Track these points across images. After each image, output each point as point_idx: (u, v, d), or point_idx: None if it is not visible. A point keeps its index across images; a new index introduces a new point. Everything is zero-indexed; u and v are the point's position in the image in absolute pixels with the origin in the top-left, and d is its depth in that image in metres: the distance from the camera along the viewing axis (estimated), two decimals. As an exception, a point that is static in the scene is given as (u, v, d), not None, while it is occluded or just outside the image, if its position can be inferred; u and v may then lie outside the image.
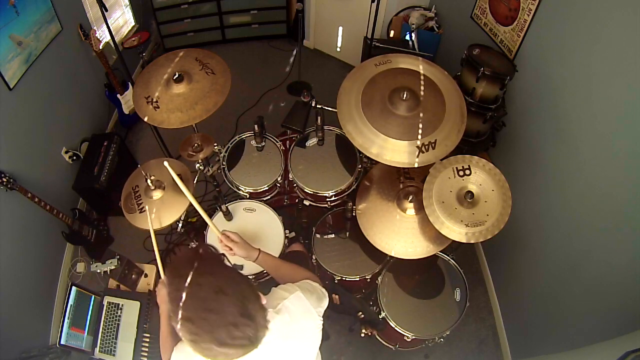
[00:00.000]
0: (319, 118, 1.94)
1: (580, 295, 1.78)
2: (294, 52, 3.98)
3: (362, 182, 1.89)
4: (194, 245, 1.66)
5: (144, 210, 1.69)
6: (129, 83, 3.08)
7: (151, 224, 1.58)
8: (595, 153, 1.67)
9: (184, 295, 0.78)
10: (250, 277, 1.79)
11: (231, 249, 1.26)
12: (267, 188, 1.96)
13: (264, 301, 0.88)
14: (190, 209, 1.68)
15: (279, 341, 0.97)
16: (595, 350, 1.60)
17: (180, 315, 0.78)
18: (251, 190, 1.95)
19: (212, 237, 1.86)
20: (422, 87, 1.67)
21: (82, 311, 1.79)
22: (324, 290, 1.14)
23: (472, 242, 1.53)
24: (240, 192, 1.97)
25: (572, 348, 1.77)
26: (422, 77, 1.70)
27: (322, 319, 1.07)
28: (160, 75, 1.80)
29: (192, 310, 0.77)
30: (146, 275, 1.96)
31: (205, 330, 0.76)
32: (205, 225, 1.90)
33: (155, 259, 1.42)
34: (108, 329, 1.77)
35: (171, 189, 1.76)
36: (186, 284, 0.79)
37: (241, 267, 1.47)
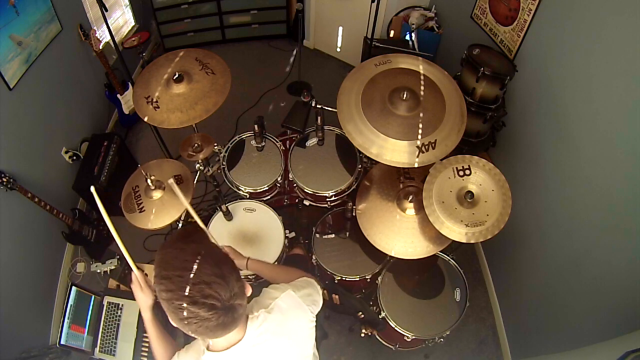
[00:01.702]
0: (319, 118, 1.94)
1: (580, 295, 1.78)
2: (294, 52, 3.98)
3: (362, 182, 1.89)
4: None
5: (144, 211, 1.69)
6: (129, 83, 3.08)
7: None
8: (595, 153, 1.67)
9: (168, 255, 0.84)
10: (251, 276, 1.79)
11: None
12: (267, 188, 1.96)
13: (248, 289, 0.90)
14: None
15: (273, 339, 0.98)
16: (595, 350, 1.60)
17: (159, 273, 0.82)
18: (251, 190, 1.95)
19: (212, 235, 1.86)
20: (422, 87, 1.67)
21: (82, 311, 1.79)
22: (319, 289, 1.14)
23: (472, 242, 1.53)
24: (240, 192, 1.97)
25: (572, 348, 1.77)
26: (422, 77, 1.70)
27: (314, 316, 1.07)
28: (160, 75, 1.80)
29: (171, 269, 0.81)
30: (146, 275, 1.95)
31: (179, 286, 0.79)
32: (206, 225, 1.90)
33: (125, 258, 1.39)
34: (108, 329, 1.77)
35: (171, 190, 1.75)
36: (171, 248, 0.85)
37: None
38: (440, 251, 1.72)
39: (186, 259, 0.82)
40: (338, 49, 3.90)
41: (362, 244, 1.98)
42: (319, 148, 2.07)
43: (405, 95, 1.62)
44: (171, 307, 0.80)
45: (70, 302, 1.76)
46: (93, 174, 2.58)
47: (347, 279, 1.90)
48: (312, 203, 2.02)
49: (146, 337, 1.77)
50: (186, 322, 0.80)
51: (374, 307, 1.89)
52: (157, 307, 1.15)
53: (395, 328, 1.78)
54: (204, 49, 1.93)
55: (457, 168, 1.62)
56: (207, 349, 0.95)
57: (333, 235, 2.06)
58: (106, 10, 2.33)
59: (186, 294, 0.78)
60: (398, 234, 1.70)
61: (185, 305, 0.78)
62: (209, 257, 0.83)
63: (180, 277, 0.79)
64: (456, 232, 1.53)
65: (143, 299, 1.19)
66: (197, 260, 0.81)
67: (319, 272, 2.02)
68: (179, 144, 1.90)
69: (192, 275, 0.79)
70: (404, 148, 1.58)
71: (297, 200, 2.14)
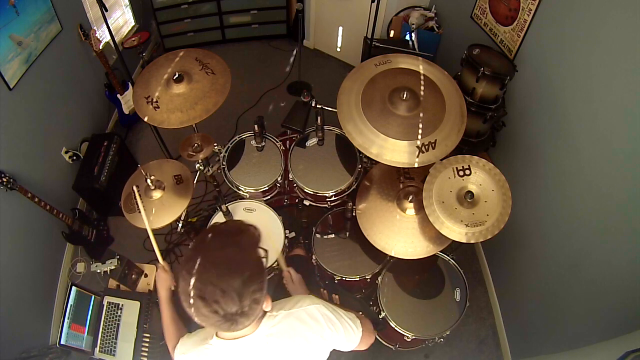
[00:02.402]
0: (319, 118, 1.94)
1: (580, 295, 1.78)
2: (294, 52, 3.98)
3: (362, 182, 1.89)
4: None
5: (139, 211, 1.69)
6: (129, 83, 3.08)
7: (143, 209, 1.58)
8: (595, 153, 1.67)
9: (212, 244, 0.86)
10: None
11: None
12: (267, 188, 1.96)
13: (268, 307, 0.91)
14: (191, 209, 1.67)
15: (284, 340, 0.97)
16: (595, 350, 1.60)
17: (194, 255, 0.83)
18: (251, 190, 1.95)
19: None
20: (422, 87, 1.67)
21: (82, 311, 1.79)
22: (356, 326, 1.09)
23: (472, 242, 1.53)
24: (240, 192, 1.97)
25: (572, 348, 1.77)
26: (422, 77, 1.70)
27: (334, 341, 1.04)
28: (160, 75, 1.80)
29: (205, 259, 0.82)
30: (146, 275, 1.96)
31: (199, 277, 0.80)
32: (205, 225, 1.90)
33: (154, 249, 1.45)
34: (108, 329, 1.77)
35: (171, 190, 1.76)
36: (216, 246, 0.86)
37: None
38: (440, 251, 1.72)
39: (222, 261, 0.83)
40: (338, 49, 3.90)
41: (362, 244, 1.97)
42: (319, 148, 2.07)
43: (405, 95, 1.62)
44: (185, 295, 0.82)
45: (70, 302, 1.76)
46: (93, 174, 2.58)
47: (347, 279, 1.90)
48: (312, 203, 2.02)
49: (146, 337, 1.77)
50: (192, 312, 0.82)
51: (374, 307, 1.88)
52: (175, 295, 1.22)
53: (395, 328, 1.78)
54: (204, 49, 1.93)
55: (457, 168, 1.62)
56: (217, 335, 0.96)
57: (333, 235, 2.06)
58: (106, 10, 2.34)
59: (200, 287, 0.80)
60: (398, 234, 1.70)
61: (192, 294, 0.80)
62: (240, 270, 0.82)
63: (206, 271, 0.81)
64: (456, 232, 1.53)
65: (165, 278, 1.30)
66: (229, 267, 0.82)
67: (319, 272, 2.02)
68: (179, 144, 1.90)
69: (215, 277, 0.80)
70: (404, 148, 1.58)
71: (297, 200, 2.14)
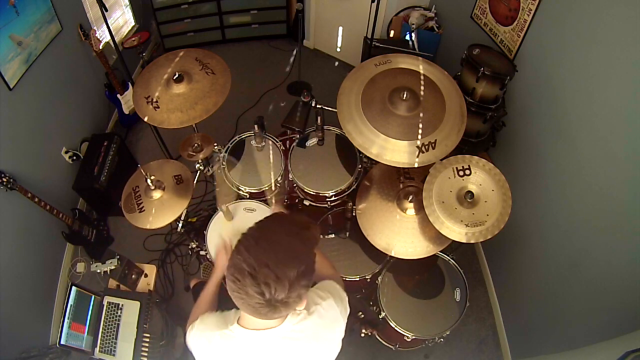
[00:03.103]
0: (319, 118, 1.94)
1: (580, 295, 1.78)
2: (294, 52, 3.98)
3: (362, 182, 1.89)
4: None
5: (144, 210, 1.69)
6: (129, 83, 3.08)
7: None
8: (595, 153, 1.67)
9: (277, 230, 0.87)
10: None
11: None
12: (267, 188, 1.96)
13: (303, 305, 0.91)
14: (191, 209, 1.68)
15: (303, 340, 0.98)
16: (595, 350, 1.60)
17: (258, 236, 0.84)
18: (251, 190, 1.95)
19: (212, 235, 1.86)
20: (422, 87, 1.67)
21: (82, 311, 1.79)
22: (345, 297, 1.14)
23: (472, 242, 1.53)
24: (240, 192, 1.97)
25: (572, 348, 1.77)
26: (422, 77, 1.70)
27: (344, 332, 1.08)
28: (160, 75, 1.80)
29: (266, 244, 0.83)
30: (146, 275, 1.96)
31: (256, 257, 0.80)
32: (205, 225, 1.90)
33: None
34: (108, 329, 1.77)
35: (171, 189, 1.76)
36: (283, 231, 0.88)
37: None
38: (440, 251, 1.72)
39: (282, 249, 0.83)
40: (338, 49, 3.90)
41: (362, 244, 1.98)
42: (319, 148, 2.07)
43: (405, 95, 1.62)
44: (236, 268, 0.82)
45: (70, 302, 1.76)
46: (93, 174, 2.58)
47: (347, 279, 1.90)
48: (312, 203, 2.02)
49: (146, 337, 1.77)
50: (234, 288, 0.82)
51: (374, 307, 1.89)
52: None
53: (395, 328, 1.78)
54: (204, 49, 1.93)
55: (457, 168, 1.62)
56: (239, 322, 0.96)
57: (333, 235, 2.06)
58: (106, 10, 2.33)
59: (256, 266, 0.80)
60: (398, 234, 1.70)
61: (245, 271, 0.80)
62: (298, 261, 0.83)
63: (266, 253, 0.81)
64: (456, 232, 1.53)
65: (225, 260, 1.28)
66: (287, 257, 0.82)
67: (319, 272, 2.02)
68: (179, 144, 1.90)
69: (274, 262, 0.80)
70: (404, 148, 1.58)
71: (297, 200, 2.14)
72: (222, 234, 1.86)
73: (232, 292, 0.83)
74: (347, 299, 1.13)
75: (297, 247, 0.85)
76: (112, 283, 1.90)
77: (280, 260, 0.81)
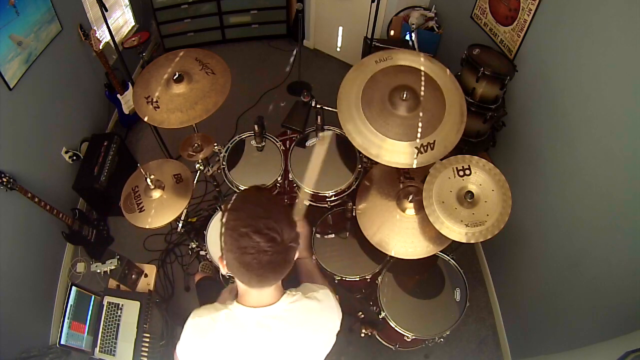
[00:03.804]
0: (319, 118, 1.94)
1: (580, 295, 1.78)
2: (294, 52, 3.98)
3: (362, 182, 1.89)
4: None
5: (144, 210, 1.69)
6: (129, 83, 3.08)
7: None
8: (594, 153, 1.67)
9: (247, 193, 0.96)
10: None
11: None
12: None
13: (297, 254, 0.94)
14: (191, 209, 1.68)
15: (297, 323, 0.98)
16: (595, 350, 1.60)
17: (234, 207, 0.89)
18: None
19: (212, 235, 1.86)
20: (422, 86, 1.67)
21: (82, 311, 1.79)
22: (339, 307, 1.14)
23: (472, 242, 1.53)
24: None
25: (572, 348, 1.77)
26: (422, 75, 1.69)
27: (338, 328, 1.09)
28: (160, 75, 1.80)
29: (247, 202, 0.91)
30: (146, 275, 1.96)
31: (249, 215, 0.86)
32: (206, 225, 1.90)
33: None
34: (108, 329, 1.77)
35: (171, 189, 1.76)
36: (250, 192, 0.97)
37: None
38: (440, 251, 1.72)
39: (261, 199, 0.92)
40: (338, 49, 3.90)
41: (362, 244, 1.97)
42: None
43: (405, 95, 1.62)
44: (235, 234, 0.84)
45: (70, 302, 1.76)
46: (93, 174, 2.58)
47: (347, 279, 1.90)
48: (312, 203, 2.02)
49: (146, 337, 1.77)
50: (243, 251, 0.83)
51: (374, 307, 1.88)
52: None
53: (395, 328, 1.78)
54: (204, 49, 1.93)
55: (457, 168, 1.62)
56: (237, 300, 0.97)
57: (333, 235, 2.06)
58: (106, 10, 2.33)
59: (254, 223, 0.84)
60: (398, 234, 1.70)
61: (250, 232, 0.83)
62: (280, 202, 0.93)
63: (253, 208, 0.88)
64: (456, 232, 1.53)
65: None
66: (271, 204, 0.90)
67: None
68: (179, 144, 1.90)
69: (263, 210, 0.87)
70: (403, 149, 1.57)
71: (297, 200, 2.14)
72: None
73: (242, 259, 0.84)
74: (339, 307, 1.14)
75: (273, 198, 0.97)
76: (112, 283, 1.90)
77: (268, 208, 0.88)
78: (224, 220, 0.88)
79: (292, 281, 1.17)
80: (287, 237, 0.86)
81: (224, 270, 0.92)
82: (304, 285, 1.09)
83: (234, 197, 0.94)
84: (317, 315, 1.02)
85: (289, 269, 0.92)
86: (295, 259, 0.93)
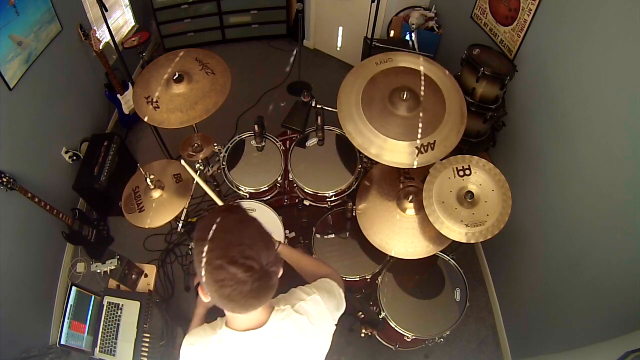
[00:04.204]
0: (319, 118, 1.94)
1: (580, 295, 1.78)
2: (294, 52, 3.98)
3: (362, 182, 1.89)
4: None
5: (144, 210, 1.70)
6: (129, 83, 3.08)
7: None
8: (594, 153, 1.67)
9: (211, 219, 0.85)
10: None
11: None
12: (267, 188, 1.96)
13: (280, 268, 0.91)
14: (191, 209, 1.68)
15: (291, 337, 0.97)
16: (595, 350, 1.60)
17: (200, 236, 0.83)
18: (251, 190, 1.95)
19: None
20: (422, 87, 1.67)
21: (82, 311, 1.79)
22: (342, 292, 1.12)
23: (472, 242, 1.53)
24: (240, 192, 1.97)
25: (572, 348, 1.77)
26: (422, 77, 1.70)
27: (336, 322, 1.07)
28: (160, 75, 1.80)
29: (214, 231, 0.82)
30: (146, 275, 1.96)
31: (220, 246, 0.80)
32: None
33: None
34: (108, 329, 1.77)
35: (170, 189, 1.76)
36: (214, 215, 0.87)
37: None
38: (440, 251, 1.72)
39: (230, 223, 0.84)
40: (338, 49, 3.90)
41: (362, 244, 1.98)
42: (319, 148, 2.07)
43: (405, 95, 1.62)
44: (209, 267, 0.80)
45: (70, 302, 1.76)
46: (93, 174, 2.58)
47: (347, 279, 1.90)
48: (312, 203, 2.02)
49: (146, 337, 1.77)
50: (221, 285, 0.79)
51: (374, 307, 1.88)
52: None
53: (395, 328, 1.78)
54: (204, 49, 1.93)
55: (457, 168, 1.62)
56: (226, 324, 0.95)
57: (333, 235, 2.06)
58: (106, 10, 2.33)
59: (226, 253, 0.79)
60: (398, 234, 1.70)
61: (224, 264, 0.78)
62: (251, 224, 0.86)
63: (223, 237, 0.81)
64: (456, 232, 1.53)
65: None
66: (240, 226, 0.84)
67: (319, 272, 2.02)
68: (179, 144, 1.90)
69: (234, 238, 0.81)
70: (403, 148, 1.58)
71: (297, 200, 2.14)
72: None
73: (222, 292, 0.80)
74: (341, 294, 1.11)
75: (237, 217, 0.87)
76: (112, 283, 1.90)
77: (240, 233, 0.83)
78: (194, 251, 0.83)
79: (294, 278, 1.17)
80: (265, 261, 0.81)
81: (205, 299, 0.88)
82: (291, 292, 1.07)
83: (200, 224, 0.86)
84: (309, 328, 1.00)
85: (273, 292, 0.88)
86: (279, 278, 0.89)
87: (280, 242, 1.31)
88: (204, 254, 0.80)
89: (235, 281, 0.78)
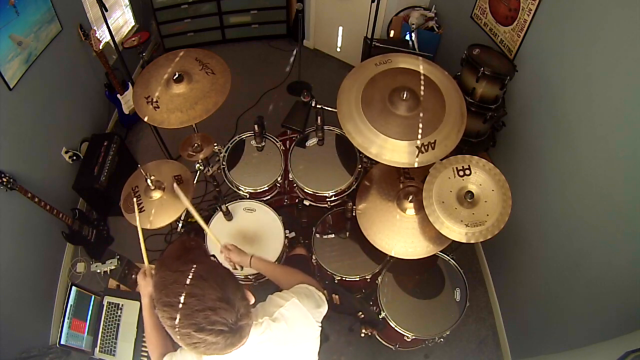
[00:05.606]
0: (319, 118, 1.94)
1: (580, 295, 1.78)
2: (294, 52, 3.98)
3: (362, 182, 1.89)
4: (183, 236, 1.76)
5: (143, 210, 1.69)
6: (129, 83, 3.08)
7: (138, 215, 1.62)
8: (594, 153, 1.67)
9: (167, 279, 0.82)
10: (250, 277, 1.79)
11: (230, 258, 1.37)
12: (267, 188, 1.96)
13: (251, 300, 0.90)
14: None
15: (274, 348, 0.97)
16: (595, 350, 1.60)
17: (160, 299, 0.80)
18: (251, 190, 1.95)
19: (212, 236, 1.86)
20: (422, 87, 1.67)
21: (82, 311, 1.79)
22: (322, 295, 1.12)
23: (472, 242, 1.53)
24: (240, 192, 1.97)
25: (572, 348, 1.77)
26: (422, 77, 1.70)
27: (320, 325, 1.06)
28: (160, 75, 1.80)
29: (173, 295, 0.79)
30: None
31: (184, 314, 0.78)
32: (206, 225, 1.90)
33: (141, 250, 1.47)
34: (108, 329, 1.77)
35: (170, 190, 1.75)
36: (170, 271, 0.83)
37: (241, 267, 1.49)
38: (440, 251, 1.72)
39: (187, 284, 0.80)
40: (338, 49, 3.90)
41: (362, 244, 1.98)
42: (319, 148, 2.07)
43: (405, 95, 1.62)
44: (178, 334, 0.79)
45: (70, 302, 1.76)
46: (93, 174, 2.58)
47: (347, 279, 1.90)
48: (312, 203, 2.02)
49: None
50: (194, 347, 0.80)
51: (374, 307, 1.88)
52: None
53: (395, 328, 1.78)
54: (204, 49, 1.93)
55: (457, 168, 1.62)
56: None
57: (333, 235, 2.06)
58: (106, 10, 2.33)
59: (192, 322, 0.77)
60: (398, 234, 1.70)
61: (192, 332, 0.77)
62: (211, 279, 0.82)
63: (184, 304, 0.78)
64: (456, 232, 1.53)
65: (145, 285, 1.25)
66: (200, 285, 0.80)
67: (319, 272, 2.02)
68: (179, 144, 1.90)
69: (196, 302, 0.78)
70: (404, 148, 1.58)
71: (297, 200, 2.14)
72: (222, 234, 1.86)
73: (197, 350, 0.80)
74: (321, 296, 1.11)
75: (196, 273, 0.82)
76: (112, 283, 1.89)
77: (201, 297, 0.78)
78: (158, 313, 0.80)
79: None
80: (234, 319, 0.79)
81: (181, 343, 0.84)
82: (269, 299, 1.06)
83: (156, 281, 0.83)
84: (290, 335, 0.99)
85: (247, 336, 0.88)
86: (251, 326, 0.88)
87: (252, 256, 1.33)
88: (168, 322, 0.79)
89: (206, 343, 0.79)
